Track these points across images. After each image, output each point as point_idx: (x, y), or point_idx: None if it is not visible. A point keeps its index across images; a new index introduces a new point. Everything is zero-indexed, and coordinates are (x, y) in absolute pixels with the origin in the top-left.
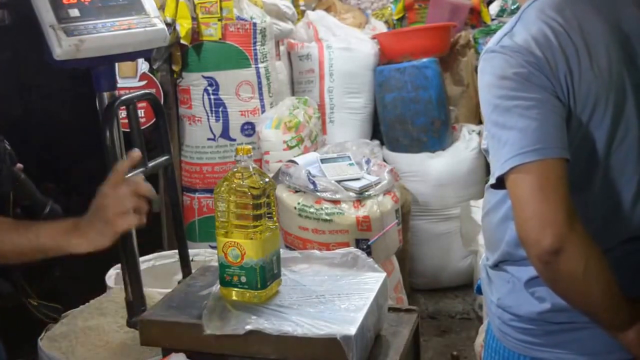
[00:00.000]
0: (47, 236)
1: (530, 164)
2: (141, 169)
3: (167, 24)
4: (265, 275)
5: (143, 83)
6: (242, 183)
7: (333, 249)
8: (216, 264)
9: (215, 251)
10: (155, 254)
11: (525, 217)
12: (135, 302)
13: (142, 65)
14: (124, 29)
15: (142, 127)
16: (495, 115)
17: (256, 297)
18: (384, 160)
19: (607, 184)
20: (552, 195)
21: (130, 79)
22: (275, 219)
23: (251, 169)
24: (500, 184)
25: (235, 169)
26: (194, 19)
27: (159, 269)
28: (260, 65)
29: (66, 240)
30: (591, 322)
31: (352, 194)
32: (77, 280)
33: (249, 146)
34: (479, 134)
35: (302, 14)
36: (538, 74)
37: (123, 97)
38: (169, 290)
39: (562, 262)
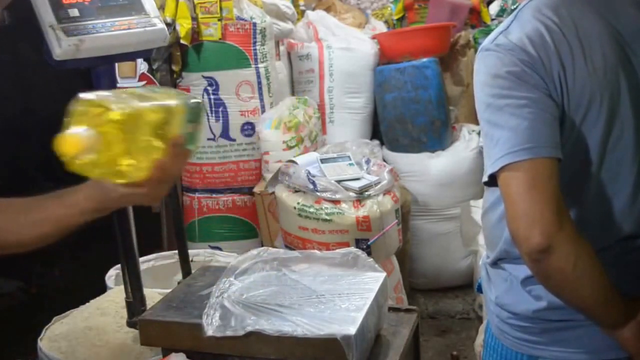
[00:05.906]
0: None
1: (520, 162)
2: None
3: (167, 24)
4: None
5: (142, 84)
6: None
7: (333, 249)
8: (216, 264)
9: (215, 251)
10: (155, 254)
11: (515, 216)
12: (135, 302)
13: (141, 66)
14: (123, 29)
15: None
16: (488, 114)
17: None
18: (384, 160)
19: (603, 184)
20: (541, 194)
21: (129, 79)
22: None
23: None
24: (493, 181)
25: None
26: (194, 19)
27: (159, 269)
28: (260, 65)
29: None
30: (588, 320)
31: (352, 193)
32: (77, 280)
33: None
34: (479, 134)
35: (302, 14)
36: (531, 73)
37: None
38: (169, 290)
39: (552, 260)
